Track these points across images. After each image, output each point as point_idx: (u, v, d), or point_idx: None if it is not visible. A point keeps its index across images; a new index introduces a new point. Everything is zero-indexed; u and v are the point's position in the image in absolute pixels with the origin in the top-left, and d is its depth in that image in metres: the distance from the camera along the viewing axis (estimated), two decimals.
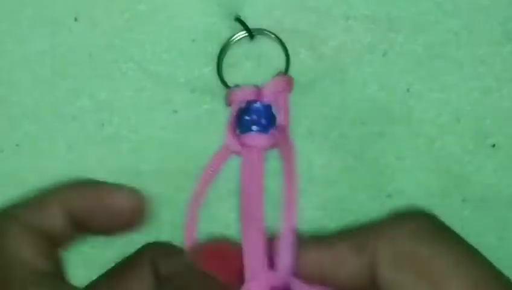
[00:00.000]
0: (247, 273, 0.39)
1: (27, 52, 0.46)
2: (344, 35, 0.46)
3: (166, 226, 0.46)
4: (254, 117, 0.44)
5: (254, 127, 0.44)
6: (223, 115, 0.46)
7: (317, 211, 0.47)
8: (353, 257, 0.37)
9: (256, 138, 0.44)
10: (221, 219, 0.46)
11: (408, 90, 0.46)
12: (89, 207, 0.39)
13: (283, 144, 0.44)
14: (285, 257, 0.39)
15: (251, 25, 0.45)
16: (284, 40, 0.45)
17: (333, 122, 0.46)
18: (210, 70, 0.46)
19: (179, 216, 0.46)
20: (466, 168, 0.47)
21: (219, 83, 0.46)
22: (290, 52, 0.45)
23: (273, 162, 0.44)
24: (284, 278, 0.39)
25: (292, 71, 0.46)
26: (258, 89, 0.45)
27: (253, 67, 0.46)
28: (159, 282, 0.37)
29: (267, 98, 0.44)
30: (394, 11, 0.46)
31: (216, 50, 0.45)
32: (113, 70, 0.46)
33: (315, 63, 0.46)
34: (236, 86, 0.45)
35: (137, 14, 0.45)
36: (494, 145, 0.47)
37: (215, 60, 0.45)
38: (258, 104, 0.44)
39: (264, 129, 0.44)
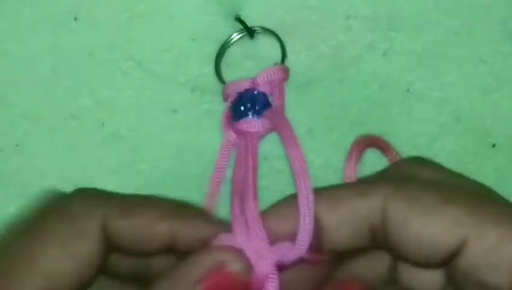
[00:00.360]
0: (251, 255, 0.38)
1: (27, 52, 0.45)
2: (344, 35, 0.46)
3: None
4: (248, 105, 0.44)
5: (249, 113, 0.44)
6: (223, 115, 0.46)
7: None
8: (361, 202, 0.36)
9: (250, 123, 0.44)
10: None
11: (408, 89, 0.46)
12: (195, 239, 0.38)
13: (280, 125, 0.42)
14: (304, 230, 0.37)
15: (251, 24, 0.45)
16: (284, 39, 0.45)
17: (333, 121, 0.46)
18: (210, 69, 0.46)
19: None
20: (466, 168, 0.47)
21: (218, 82, 0.46)
22: (289, 51, 0.46)
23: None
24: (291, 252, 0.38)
25: (292, 71, 0.45)
26: (253, 80, 0.44)
27: (252, 66, 0.46)
28: (109, 244, 0.37)
29: (262, 88, 0.44)
30: (394, 10, 0.46)
31: (216, 49, 0.45)
32: (113, 69, 0.46)
33: (315, 62, 0.46)
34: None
35: (137, 14, 0.45)
36: (494, 145, 0.47)
37: (216, 56, 0.45)
38: (251, 92, 0.44)
39: (258, 115, 0.44)
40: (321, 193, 0.37)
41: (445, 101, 0.47)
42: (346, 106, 0.46)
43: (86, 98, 0.46)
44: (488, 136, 0.47)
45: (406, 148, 0.47)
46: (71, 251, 0.36)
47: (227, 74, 0.45)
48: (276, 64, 0.45)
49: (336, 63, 0.46)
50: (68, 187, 0.46)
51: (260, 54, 0.46)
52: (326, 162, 0.47)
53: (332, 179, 0.46)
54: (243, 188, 0.40)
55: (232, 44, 0.45)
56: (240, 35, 0.45)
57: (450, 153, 0.47)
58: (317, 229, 0.36)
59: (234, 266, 0.36)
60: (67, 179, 0.46)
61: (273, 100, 0.44)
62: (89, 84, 0.46)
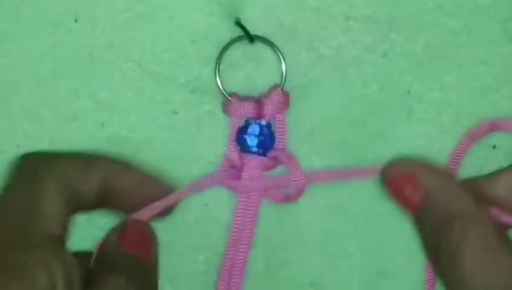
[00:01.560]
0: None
1: (27, 53, 0.45)
2: (344, 36, 0.46)
3: (167, 228, 0.46)
4: (253, 137, 0.45)
5: (254, 149, 0.45)
6: (223, 116, 0.46)
7: (317, 212, 0.47)
8: None
9: (256, 159, 0.45)
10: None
11: (408, 90, 0.46)
12: (127, 186, 0.42)
13: (286, 162, 0.45)
14: None
15: (251, 25, 0.45)
16: (283, 40, 0.45)
17: (333, 122, 0.46)
18: (210, 70, 0.46)
19: (178, 215, 0.46)
20: (467, 169, 0.47)
21: (219, 84, 0.46)
22: (289, 52, 0.45)
23: None
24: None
25: (292, 71, 0.45)
26: (257, 103, 0.45)
27: (252, 69, 0.46)
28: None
29: (266, 116, 0.45)
30: (394, 11, 0.46)
31: (216, 50, 0.45)
32: (113, 70, 0.46)
33: (315, 63, 0.46)
34: (235, 94, 0.45)
35: (137, 14, 0.45)
36: (494, 147, 0.47)
37: (215, 60, 0.45)
38: (257, 125, 0.45)
39: (263, 150, 0.45)
40: None
41: (446, 102, 0.47)
42: (347, 107, 0.46)
43: (86, 99, 0.46)
44: (488, 137, 0.47)
45: (406, 149, 0.47)
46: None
47: (227, 76, 0.45)
48: (277, 87, 0.45)
49: (336, 64, 0.46)
50: None
51: (259, 57, 0.46)
52: (327, 163, 0.47)
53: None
54: (232, 259, 0.45)
55: (231, 47, 0.45)
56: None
57: (451, 154, 0.47)
58: None
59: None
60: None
61: (275, 127, 0.45)
62: (89, 85, 0.46)
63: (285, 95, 0.45)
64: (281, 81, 0.45)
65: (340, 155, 0.47)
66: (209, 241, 0.47)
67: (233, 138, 0.45)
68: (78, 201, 0.41)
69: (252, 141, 0.45)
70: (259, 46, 0.45)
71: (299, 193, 0.45)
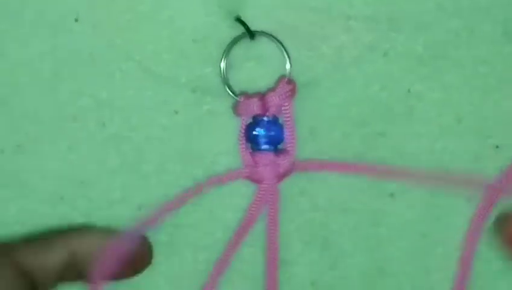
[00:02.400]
0: None
1: (28, 53, 0.46)
2: (345, 35, 0.46)
3: (167, 228, 0.46)
4: (262, 134, 0.45)
5: (264, 147, 0.45)
6: (224, 116, 0.46)
7: (318, 212, 0.47)
8: None
9: (267, 157, 0.45)
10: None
11: (409, 90, 0.46)
12: (94, 253, 0.42)
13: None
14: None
15: (252, 25, 0.45)
16: (284, 39, 0.45)
17: (334, 122, 0.46)
18: (211, 70, 0.46)
19: (179, 216, 0.46)
20: (469, 170, 0.47)
21: (220, 83, 0.46)
22: (290, 51, 0.45)
23: None
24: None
25: (293, 71, 0.46)
26: (263, 98, 0.45)
27: (253, 67, 0.46)
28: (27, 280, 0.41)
29: (272, 109, 0.45)
30: (395, 11, 0.46)
31: (217, 50, 0.45)
32: (114, 70, 0.46)
33: (315, 63, 0.46)
34: (243, 93, 0.45)
35: (138, 15, 0.45)
36: (497, 146, 0.47)
37: (216, 60, 0.45)
38: (263, 121, 0.45)
39: (274, 144, 0.46)
40: None
41: (447, 101, 0.47)
42: (347, 107, 0.46)
43: (86, 99, 0.46)
44: (490, 137, 0.47)
45: (407, 150, 0.47)
46: None
47: (229, 75, 0.45)
48: (283, 77, 0.45)
49: (336, 64, 0.46)
50: (69, 188, 0.46)
51: (261, 55, 0.46)
52: None
53: (333, 179, 0.46)
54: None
55: (230, 46, 0.45)
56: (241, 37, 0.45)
57: (452, 155, 0.47)
58: None
59: None
60: (69, 180, 0.46)
61: (283, 119, 0.46)
62: (89, 85, 0.46)
63: (291, 84, 0.45)
64: (287, 72, 0.45)
65: (340, 155, 0.46)
66: (209, 241, 0.47)
67: (243, 138, 0.45)
68: (41, 279, 0.42)
69: (260, 138, 0.45)
70: (259, 42, 0.45)
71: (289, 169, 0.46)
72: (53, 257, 0.42)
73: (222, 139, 0.46)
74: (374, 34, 0.46)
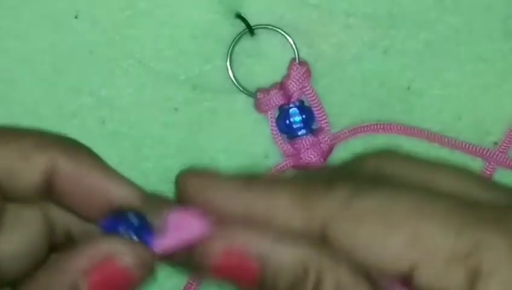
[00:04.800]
0: None
1: (28, 50, 0.46)
2: (344, 33, 0.46)
3: None
4: (294, 120, 0.46)
5: (301, 132, 0.46)
6: (224, 112, 0.46)
7: None
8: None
9: (306, 141, 0.46)
10: None
11: (409, 87, 0.46)
12: (78, 183, 0.33)
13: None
14: None
15: (251, 21, 0.45)
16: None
17: (334, 119, 0.46)
18: (211, 67, 0.46)
19: None
20: (468, 166, 0.46)
21: (220, 80, 0.46)
22: (289, 49, 0.46)
23: None
24: None
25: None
26: (283, 87, 0.45)
27: (254, 63, 0.46)
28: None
29: (295, 94, 0.45)
30: (395, 8, 0.46)
31: (217, 47, 0.45)
32: (113, 67, 0.46)
33: (315, 60, 0.46)
34: (260, 90, 0.45)
35: (137, 12, 0.45)
36: (496, 143, 0.47)
37: (217, 57, 0.45)
38: (291, 108, 0.45)
39: (309, 127, 0.46)
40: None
41: (446, 99, 0.47)
42: (347, 104, 0.46)
43: (86, 96, 0.46)
44: (489, 134, 0.47)
45: (407, 146, 0.47)
46: None
47: (233, 72, 0.46)
48: (294, 60, 0.45)
49: (336, 61, 0.46)
50: None
51: (261, 51, 0.46)
52: (328, 159, 0.47)
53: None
54: None
55: (232, 43, 0.45)
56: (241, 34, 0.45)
57: (451, 151, 0.47)
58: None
59: (126, 260, 0.32)
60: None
61: (307, 101, 0.46)
62: (89, 82, 0.46)
63: (304, 65, 0.45)
64: (295, 56, 0.45)
65: (340, 152, 0.47)
66: None
67: (276, 130, 0.46)
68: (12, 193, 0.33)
69: (295, 126, 0.45)
70: (258, 39, 0.45)
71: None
72: (33, 168, 0.32)
73: (222, 136, 0.46)
74: (373, 31, 0.46)
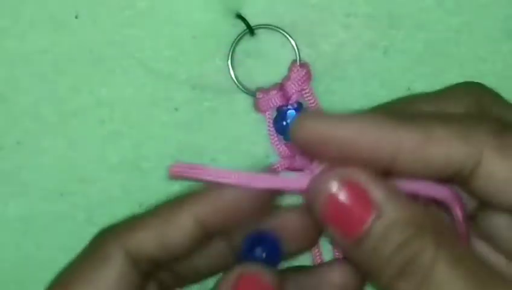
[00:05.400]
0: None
1: (28, 50, 0.46)
2: (344, 33, 0.46)
3: None
4: (291, 122, 0.45)
5: None
6: (224, 112, 0.46)
7: None
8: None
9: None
10: None
11: (409, 87, 0.46)
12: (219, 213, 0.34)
13: None
14: None
15: (251, 21, 0.45)
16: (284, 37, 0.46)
17: None
18: (211, 67, 0.46)
19: None
20: None
21: (220, 80, 0.46)
22: (290, 49, 0.46)
23: None
24: None
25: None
26: (282, 89, 0.45)
27: (254, 63, 0.46)
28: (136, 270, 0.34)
29: (294, 96, 0.45)
30: (395, 8, 0.46)
31: (217, 47, 0.45)
32: (113, 67, 0.46)
33: (315, 60, 0.46)
34: (260, 90, 0.45)
35: (137, 11, 0.45)
36: None
37: (217, 57, 0.45)
38: (289, 109, 0.45)
39: None
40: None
41: None
42: (347, 104, 0.46)
43: (86, 96, 0.46)
44: None
45: None
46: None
47: (234, 71, 0.46)
48: (294, 62, 0.45)
49: (336, 61, 0.46)
50: (69, 184, 0.46)
51: (261, 51, 0.46)
52: None
53: None
54: None
55: (233, 43, 0.45)
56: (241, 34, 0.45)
57: None
58: None
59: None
60: (68, 177, 0.46)
61: (305, 103, 0.46)
62: (89, 81, 0.46)
63: (305, 68, 0.45)
64: (296, 58, 0.45)
65: None
66: None
67: (273, 131, 0.46)
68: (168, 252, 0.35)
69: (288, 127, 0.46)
70: (258, 39, 0.45)
71: None
72: (175, 233, 0.34)
73: (222, 136, 0.46)
74: (373, 31, 0.46)
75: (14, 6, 0.45)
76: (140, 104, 0.46)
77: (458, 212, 0.34)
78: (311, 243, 0.36)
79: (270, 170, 0.45)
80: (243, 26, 0.45)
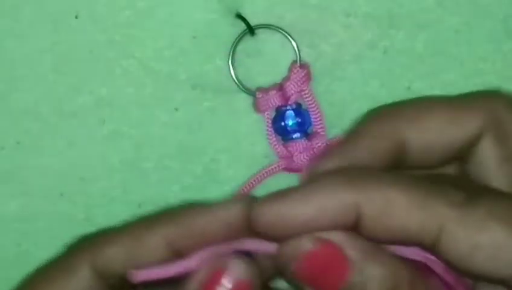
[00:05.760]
0: None
1: (28, 50, 0.46)
2: (344, 32, 0.46)
3: None
4: (289, 123, 0.45)
5: (295, 135, 0.46)
6: (224, 112, 0.46)
7: None
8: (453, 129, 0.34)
9: (300, 145, 0.46)
10: None
11: (409, 87, 0.46)
12: (192, 234, 0.35)
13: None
14: None
15: (251, 21, 0.45)
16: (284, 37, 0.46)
17: (334, 119, 0.46)
18: (211, 67, 0.46)
19: None
20: None
21: (220, 80, 0.46)
22: (289, 49, 0.46)
23: None
24: None
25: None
26: (281, 89, 0.45)
27: (254, 63, 0.46)
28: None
29: (293, 97, 0.45)
30: (395, 8, 0.46)
31: (217, 47, 0.45)
32: (113, 67, 0.46)
33: (315, 60, 0.46)
34: (259, 89, 0.45)
35: (137, 11, 0.45)
36: None
37: (217, 57, 0.45)
38: (288, 110, 0.45)
39: (304, 131, 0.46)
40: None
41: None
42: (347, 104, 0.46)
43: (86, 96, 0.46)
44: None
45: None
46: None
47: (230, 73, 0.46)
48: (294, 62, 0.45)
49: (336, 61, 0.46)
50: (69, 185, 0.46)
51: (261, 51, 0.46)
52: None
53: None
54: None
55: (234, 42, 0.45)
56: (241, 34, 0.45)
57: None
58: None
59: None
60: (69, 177, 0.46)
61: (305, 104, 0.46)
62: (89, 81, 0.46)
63: (305, 68, 0.45)
64: (296, 58, 0.45)
65: None
66: None
67: (271, 132, 0.46)
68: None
69: (289, 128, 0.45)
70: (258, 39, 0.45)
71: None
72: (145, 253, 0.35)
73: (222, 136, 0.46)
74: (373, 31, 0.46)
75: (14, 6, 0.45)
76: (140, 104, 0.46)
77: (437, 269, 0.34)
78: None
79: (269, 171, 0.45)
80: (243, 26, 0.45)
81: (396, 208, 0.32)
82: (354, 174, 0.33)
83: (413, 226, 0.32)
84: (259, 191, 0.46)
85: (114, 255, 0.35)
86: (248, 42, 0.46)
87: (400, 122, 0.36)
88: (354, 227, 0.32)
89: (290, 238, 0.33)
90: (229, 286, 0.33)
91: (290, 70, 0.45)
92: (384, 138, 0.36)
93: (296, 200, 0.32)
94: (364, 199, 0.32)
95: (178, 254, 0.35)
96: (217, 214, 0.35)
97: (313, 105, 0.46)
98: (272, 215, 0.33)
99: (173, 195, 0.46)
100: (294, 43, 0.45)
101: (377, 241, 0.33)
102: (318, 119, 0.46)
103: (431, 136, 0.35)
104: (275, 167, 0.46)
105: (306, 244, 0.32)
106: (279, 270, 0.33)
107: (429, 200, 0.32)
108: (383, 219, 0.32)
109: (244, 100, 0.46)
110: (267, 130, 0.46)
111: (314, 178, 0.34)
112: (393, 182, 0.33)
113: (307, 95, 0.45)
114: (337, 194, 0.32)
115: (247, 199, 0.35)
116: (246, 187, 0.46)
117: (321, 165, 0.35)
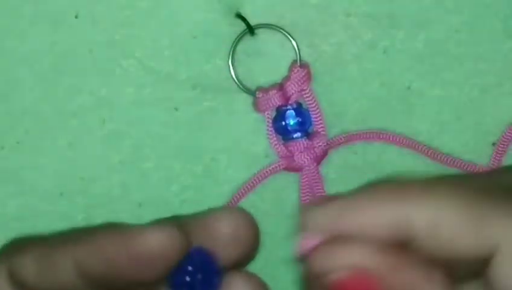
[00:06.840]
0: None
1: (27, 49, 0.46)
2: (345, 32, 0.46)
3: None
4: (289, 123, 0.46)
5: (296, 135, 0.46)
6: (224, 112, 0.46)
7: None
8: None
9: (300, 144, 0.46)
10: None
11: (409, 87, 0.46)
12: (108, 262, 0.33)
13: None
14: None
15: (251, 21, 0.45)
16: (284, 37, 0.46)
17: (334, 119, 0.46)
18: (211, 67, 0.46)
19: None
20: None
21: (220, 80, 0.46)
22: (289, 48, 0.46)
23: None
24: None
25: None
26: (282, 88, 0.45)
27: (254, 63, 0.46)
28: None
29: (294, 96, 0.45)
30: (395, 8, 0.46)
31: (217, 46, 0.45)
32: (113, 67, 0.46)
33: (315, 60, 0.46)
34: (259, 89, 0.45)
35: (137, 11, 0.45)
36: (494, 144, 0.47)
37: (217, 56, 0.45)
38: (288, 110, 0.46)
39: (304, 130, 0.46)
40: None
41: (446, 99, 0.47)
42: (347, 104, 0.46)
43: (86, 96, 0.46)
44: (488, 134, 0.47)
45: (402, 154, 0.47)
46: None
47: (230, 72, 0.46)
48: (295, 62, 0.45)
49: (336, 61, 0.46)
50: (69, 184, 0.46)
51: (261, 51, 0.46)
52: (327, 160, 0.47)
53: (334, 176, 0.46)
54: None
55: (234, 42, 0.45)
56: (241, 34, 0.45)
57: (450, 151, 0.47)
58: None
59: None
60: (68, 177, 0.46)
61: (305, 104, 0.46)
62: (89, 81, 0.46)
63: (305, 68, 0.45)
64: (297, 58, 0.45)
65: (341, 152, 0.46)
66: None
67: (272, 131, 0.46)
68: None
69: (290, 128, 0.46)
70: (258, 38, 0.45)
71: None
72: (54, 271, 0.34)
73: (222, 136, 0.46)
74: (373, 31, 0.46)
75: (14, 6, 0.45)
76: (140, 104, 0.46)
77: None
78: (251, 246, 0.34)
79: (270, 170, 0.45)
80: (243, 26, 0.45)
81: (446, 223, 0.30)
82: (405, 186, 0.31)
83: (464, 243, 0.30)
84: (259, 191, 0.46)
85: (27, 265, 0.34)
86: (248, 42, 0.46)
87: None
88: (407, 242, 0.31)
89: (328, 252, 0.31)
90: None
91: (290, 70, 0.45)
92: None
93: (350, 208, 0.31)
94: (415, 212, 0.30)
95: (87, 275, 0.33)
96: (129, 241, 0.33)
97: (313, 105, 0.46)
98: (328, 216, 0.31)
99: (173, 195, 0.46)
100: (294, 43, 0.45)
101: (429, 260, 0.30)
102: (318, 118, 0.46)
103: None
104: (276, 167, 0.46)
105: (340, 271, 0.30)
106: (305, 274, 0.32)
107: (485, 216, 0.30)
108: (432, 233, 0.30)
109: (244, 100, 0.46)
110: (268, 129, 0.46)
111: (364, 189, 0.32)
112: (445, 195, 0.31)
113: (307, 95, 0.45)
114: (387, 206, 0.30)
115: (167, 228, 0.33)
116: (246, 187, 0.46)
117: (314, 216, 0.34)
